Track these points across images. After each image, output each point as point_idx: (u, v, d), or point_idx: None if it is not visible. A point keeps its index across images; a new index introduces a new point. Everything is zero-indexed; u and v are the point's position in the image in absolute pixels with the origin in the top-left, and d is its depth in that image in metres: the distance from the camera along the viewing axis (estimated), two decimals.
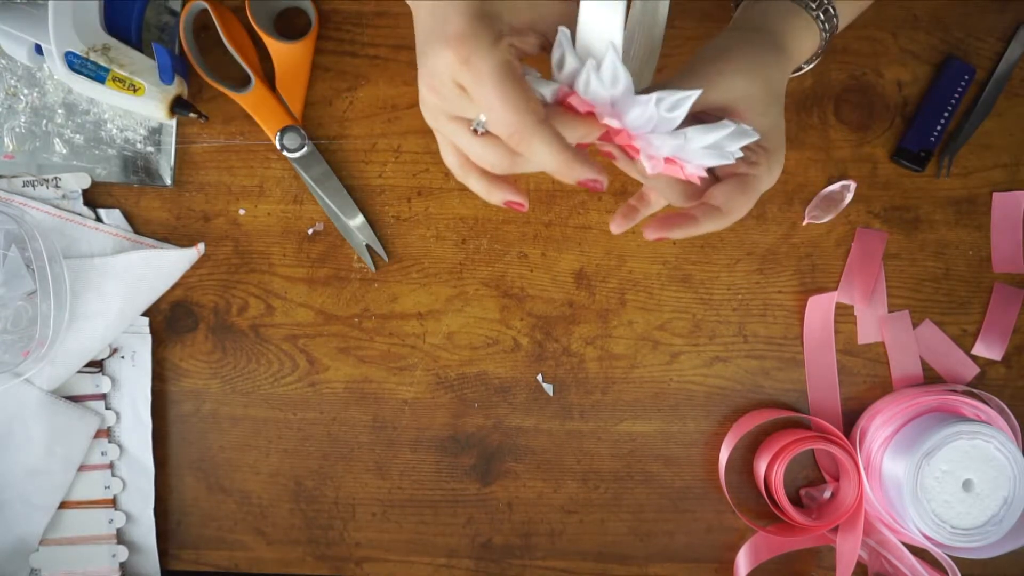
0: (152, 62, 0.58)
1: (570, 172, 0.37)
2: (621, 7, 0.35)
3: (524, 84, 0.36)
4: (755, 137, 0.40)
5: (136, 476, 0.62)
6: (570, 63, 0.37)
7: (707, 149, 0.39)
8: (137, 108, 0.59)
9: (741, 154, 0.41)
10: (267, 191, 0.63)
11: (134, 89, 0.57)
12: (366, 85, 0.63)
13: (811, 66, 0.51)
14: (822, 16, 0.47)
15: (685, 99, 0.37)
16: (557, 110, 0.38)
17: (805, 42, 0.47)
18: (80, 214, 0.61)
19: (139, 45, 0.60)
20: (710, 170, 0.43)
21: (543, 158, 0.37)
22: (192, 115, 0.59)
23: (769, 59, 0.44)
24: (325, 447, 0.63)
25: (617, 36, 0.35)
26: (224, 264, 0.63)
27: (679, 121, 0.38)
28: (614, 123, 0.38)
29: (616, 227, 0.48)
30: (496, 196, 0.41)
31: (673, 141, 0.38)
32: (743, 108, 0.43)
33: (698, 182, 0.42)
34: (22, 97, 0.61)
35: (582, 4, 0.35)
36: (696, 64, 0.43)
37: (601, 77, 0.36)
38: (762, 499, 0.62)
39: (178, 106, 0.59)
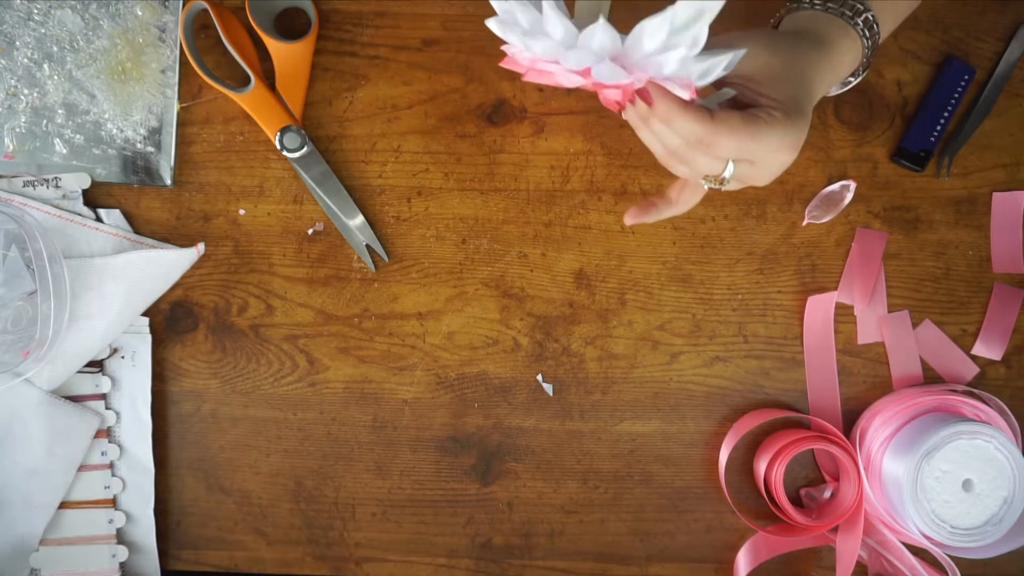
0: None
1: None
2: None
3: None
4: (740, 53, 0.41)
5: (136, 476, 0.62)
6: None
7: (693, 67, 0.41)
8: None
9: (718, 67, 0.41)
10: (267, 191, 0.63)
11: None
12: (366, 85, 0.63)
13: (859, 79, 0.52)
14: (861, 24, 0.47)
15: (717, 63, 0.40)
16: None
17: (846, 51, 0.48)
18: (80, 214, 0.61)
19: None
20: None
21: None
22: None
23: (797, 46, 0.46)
24: (325, 447, 0.63)
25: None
26: (224, 264, 0.63)
27: (707, 79, 0.41)
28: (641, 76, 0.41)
29: (630, 218, 0.52)
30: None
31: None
32: (763, 77, 0.44)
33: (693, 95, 0.42)
34: (22, 97, 0.61)
35: None
36: (726, 36, 0.45)
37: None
38: (762, 499, 0.62)
39: None
